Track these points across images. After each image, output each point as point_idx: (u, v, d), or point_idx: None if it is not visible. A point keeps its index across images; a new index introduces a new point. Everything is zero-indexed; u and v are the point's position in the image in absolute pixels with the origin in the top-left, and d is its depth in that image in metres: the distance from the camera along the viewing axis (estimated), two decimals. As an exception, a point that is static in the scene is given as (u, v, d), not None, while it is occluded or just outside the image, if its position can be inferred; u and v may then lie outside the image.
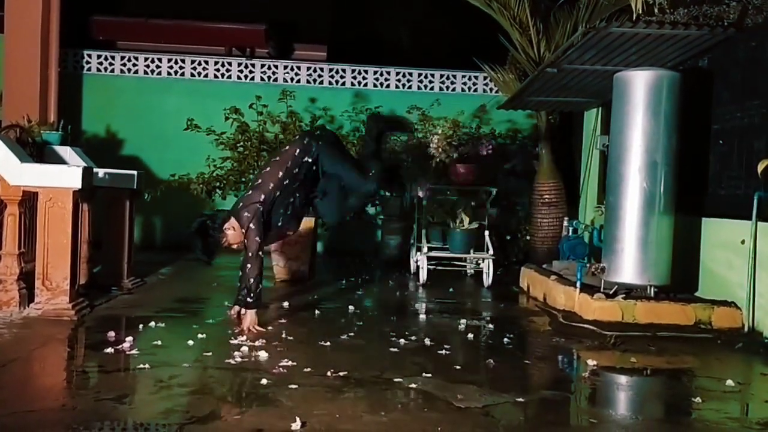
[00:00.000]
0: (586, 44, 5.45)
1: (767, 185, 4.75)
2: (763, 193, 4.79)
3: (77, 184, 4.78)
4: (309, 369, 3.66)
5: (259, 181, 4.89)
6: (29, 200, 5.01)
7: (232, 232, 4.83)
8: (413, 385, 3.44)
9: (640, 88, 5.22)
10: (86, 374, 3.63)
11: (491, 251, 7.48)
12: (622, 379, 3.95)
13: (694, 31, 5.13)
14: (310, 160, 4.94)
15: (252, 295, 4.66)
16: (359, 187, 5.14)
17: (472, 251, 7.59)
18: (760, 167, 4.68)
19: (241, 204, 4.85)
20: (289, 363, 3.74)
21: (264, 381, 3.40)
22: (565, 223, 7.07)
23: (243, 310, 4.72)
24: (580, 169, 8.56)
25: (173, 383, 3.36)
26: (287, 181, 4.86)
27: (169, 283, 6.80)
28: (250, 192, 4.89)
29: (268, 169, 4.95)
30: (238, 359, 3.83)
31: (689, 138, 5.50)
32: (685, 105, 5.33)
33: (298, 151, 4.93)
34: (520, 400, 3.30)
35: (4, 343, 4.08)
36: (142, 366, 3.64)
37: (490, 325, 5.29)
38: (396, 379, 3.53)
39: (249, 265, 4.71)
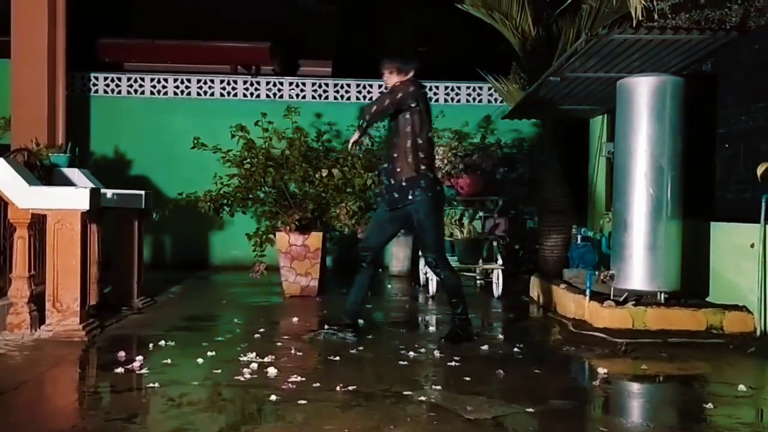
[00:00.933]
0: (588, 52, 5.46)
1: (756, 185, 4.73)
2: (770, 195, 4.78)
3: (85, 206, 4.81)
4: (318, 384, 3.66)
5: None
6: (38, 223, 5.05)
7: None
8: (423, 398, 3.43)
9: (643, 94, 5.22)
10: (97, 394, 3.64)
11: (500, 261, 7.47)
12: (634, 387, 3.93)
13: (696, 35, 5.14)
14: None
15: (366, 118, 5.07)
16: None
17: (481, 261, 7.58)
18: (760, 170, 4.67)
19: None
20: (298, 378, 3.75)
21: (273, 397, 3.40)
22: (574, 231, 7.05)
23: None
24: (586, 176, 8.54)
25: (183, 401, 3.36)
26: None
27: (179, 302, 6.82)
28: None
29: None
30: (248, 376, 3.84)
31: (695, 142, 5.48)
32: (690, 109, 5.32)
33: None
34: (530, 410, 3.29)
35: (16, 365, 4.10)
36: (152, 385, 3.65)
37: (500, 336, 5.27)
38: (405, 393, 3.52)
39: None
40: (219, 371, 3.93)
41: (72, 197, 4.83)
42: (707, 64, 5.76)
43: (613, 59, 5.63)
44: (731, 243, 5.34)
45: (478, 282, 8.08)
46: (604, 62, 5.72)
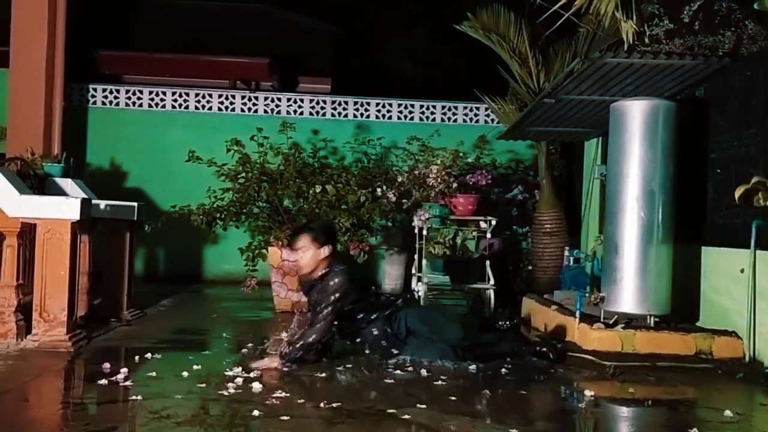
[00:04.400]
0: (582, 75, 5.49)
1: (747, 210, 4.74)
2: (761, 221, 4.78)
3: (75, 216, 4.80)
4: (302, 400, 3.63)
5: None
6: (28, 232, 5.04)
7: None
8: (406, 417, 3.40)
9: (636, 117, 5.24)
10: (79, 406, 3.62)
11: (492, 281, 7.45)
12: (620, 410, 3.91)
13: (689, 60, 5.17)
14: None
15: (301, 355, 4.44)
16: None
17: (473, 281, 7.56)
18: (737, 193, 4.67)
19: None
20: (283, 394, 3.71)
21: (256, 412, 3.37)
22: (566, 253, 7.05)
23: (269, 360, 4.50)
24: (581, 198, 8.55)
25: (164, 414, 3.33)
26: None
27: (169, 315, 6.79)
28: None
29: None
30: (232, 390, 3.80)
31: (686, 167, 5.50)
32: (682, 134, 5.34)
33: None
34: (514, 431, 3.26)
35: (-1, 374, 4.08)
36: (135, 397, 3.61)
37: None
38: (389, 411, 3.49)
39: (319, 326, 4.52)
40: (203, 385, 3.90)
41: (62, 207, 4.82)
42: (700, 89, 5.79)
43: (607, 82, 5.66)
44: (722, 268, 5.34)
45: (469, 301, 8.04)
46: (599, 85, 5.75)
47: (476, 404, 3.77)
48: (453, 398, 3.83)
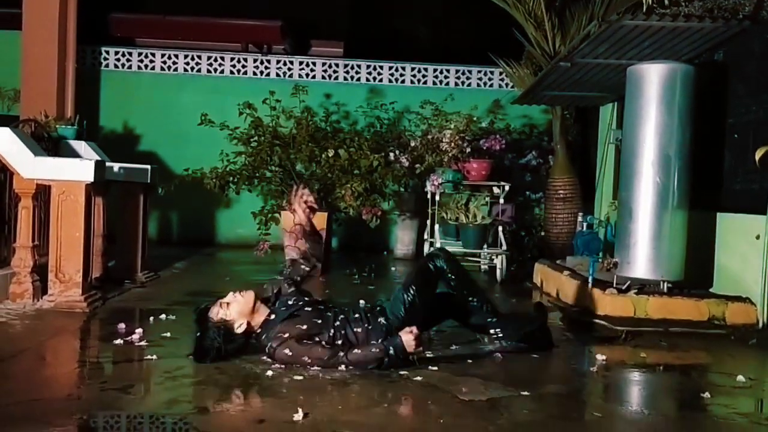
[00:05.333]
0: (599, 38, 5.40)
1: (764, 176, 4.69)
2: (778, 187, 4.73)
3: (89, 178, 4.82)
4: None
5: None
6: (43, 193, 5.07)
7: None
8: (418, 378, 3.42)
9: (653, 81, 5.16)
10: (94, 365, 3.67)
11: (504, 247, 7.46)
12: (632, 375, 3.91)
13: (708, 24, 5.07)
14: None
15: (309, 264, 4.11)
16: None
17: (485, 247, 7.57)
18: (758, 154, 4.62)
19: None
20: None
21: (269, 373, 3.41)
22: (580, 219, 7.02)
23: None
24: (595, 164, 8.49)
25: (179, 374, 3.38)
26: None
27: (183, 277, 6.85)
28: None
29: None
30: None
31: (704, 132, 5.43)
32: (700, 99, 5.26)
33: None
34: (526, 393, 3.28)
35: (16, 333, 4.13)
36: (149, 357, 3.66)
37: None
38: (401, 373, 3.51)
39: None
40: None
41: (76, 169, 4.84)
42: (719, 53, 5.70)
43: (624, 46, 5.57)
44: (737, 234, 5.30)
45: (483, 267, 8.07)
46: (615, 48, 5.66)
47: (487, 367, 3.78)
48: (464, 361, 3.85)
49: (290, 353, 3.48)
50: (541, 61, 7.76)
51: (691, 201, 5.22)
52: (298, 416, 2.76)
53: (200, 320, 3.62)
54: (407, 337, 3.50)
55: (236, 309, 3.59)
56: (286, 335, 3.52)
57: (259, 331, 3.63)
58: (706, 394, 3.38)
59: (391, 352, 3.48)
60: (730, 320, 4.96)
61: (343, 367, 3.47)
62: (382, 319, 3.75)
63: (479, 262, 8.05)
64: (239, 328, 3.59)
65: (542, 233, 8.44)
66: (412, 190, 9.05)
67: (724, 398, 3.38)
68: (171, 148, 9.76)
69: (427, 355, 3.79)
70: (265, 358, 3.58)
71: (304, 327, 3.57)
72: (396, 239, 9.57)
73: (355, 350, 3.52)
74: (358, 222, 7.62)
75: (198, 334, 3.60)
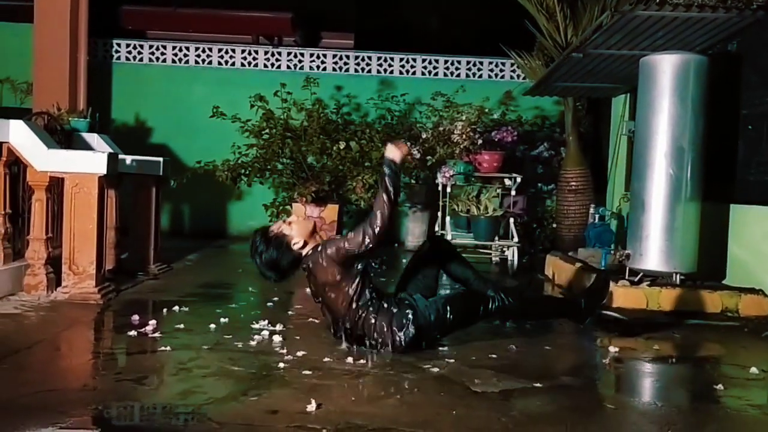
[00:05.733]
0: (611, 28, 5.38)
1: None
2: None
3: (102, 170, 4.84)
4: (329, 353, 3.67)
5: None
6: (56, 186, 5.09)
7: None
8: (431, 370, 3.43)
9: (666, 72, 5.14)
10: (109, 356, 3.69)
11: (516, 239, 7.45)
12: (645, 367, 3.90)
13: (721, 14, 5.04)
14: None
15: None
16: None
17: (497, 239, 7.56)
18: None
19: None
20: (309, 348, 3.76)
21: (282, 365, 3.42)
22: (592, 211, 7.00)
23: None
24: (607, 155, 8.46)
25: (193, 365, 3.39)
26: None
27: (195, 269, 6.87)
28: None
29: None
30: (258, 343, 3.86)
31: (717, 123, 5.40)
32: (713, 89, 5.23)
33: None
34: (538, 385, 3.28)
35: (31, 325, 4.16)
36: (163, 348, 3.68)
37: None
38: (415, 363, 3.52)
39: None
40: (230, 337, 3.96)
41: (89, 161, 4.86)
42: (733, 43, 5.66)
43: (636, 36, 5.54)
44: (750, 226, 5.28)
45: (494, 259, 8.06)
46: (628, 39, 5.63)
47: (501, 359, 3.78)
48: (477, 352, 3.85)
49: (332, 249, 3.66)
50: (552, 52, 7.73)
51: (704, 192, 5.20)
52: (311, 407, 2.78)
53: (262, 236, 3.87)
54: (387, 148, 3.73)
55: (297, 228, 3.83)
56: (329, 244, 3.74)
57: (308, 254, 3.80)
58: (719, 386, 3.37)
59: (386, 171, 3.65)
60: (743, 312, 4.96)
61: (378, 221, 3.61)
62: (409, 312, 3.76)
63: (490, 254, 8.04)
64: (295, 245, 3.79)
65: (554, 225, 8.42)
66: (423, 182, 9.05)
67: (738, 390, 3.37)
68: (182, 141, 9.79)
69: (415, 154, 3.92)
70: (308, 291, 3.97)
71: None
72: (407, 231, 9.57)
73: (374, 211, 3.66)
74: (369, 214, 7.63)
75: (259, 249, 3.83)
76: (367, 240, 3.62)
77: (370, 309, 3.71)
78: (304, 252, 3.82)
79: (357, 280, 3.71)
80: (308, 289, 4.07)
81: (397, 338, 3.69)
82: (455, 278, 4.34)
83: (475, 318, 3.98)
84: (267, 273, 3.86)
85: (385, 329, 3.68)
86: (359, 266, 3.72)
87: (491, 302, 3.94)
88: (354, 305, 3.70)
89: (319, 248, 3.74)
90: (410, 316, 3.73)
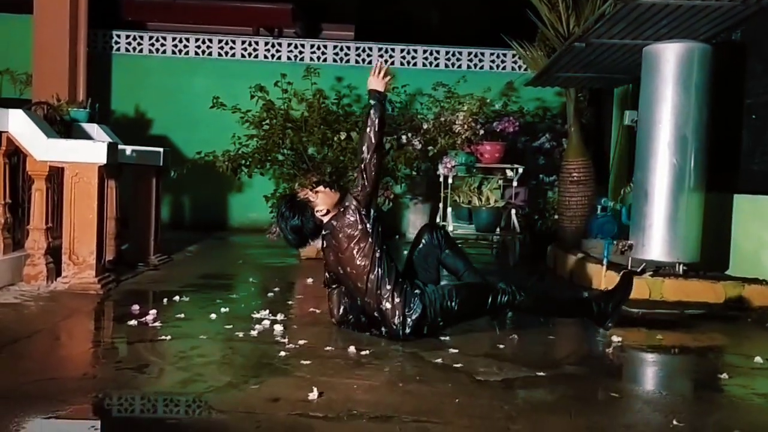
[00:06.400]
0: (614, 17, 5.32)
1: None
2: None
3: (102, 160, 4.81)
4: (330, 342, 3.65)
5: None
6: (56, 176, 5.07)
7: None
8: (434, 359, 3.41)
9: (670, 60, 5.11)
10: (109, 345, 3.69)
11: (518, 230, 7.42)
12: (648, 356, 3.88)
13: (726, 2, 4.99)
14: None
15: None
16: None
17: (498, 230, 7.53)
18: None
19: None
20: (311, 337, 3.74)
21: (283, 353, 3.40)
22: (594, 202, 6.96)
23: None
24: (609, 146, 8.42)
25: (193, 354, 3.38)
26: None
27: (196, 260, 6.86)
28: None
29: None
30: (259, 332, 3.84)
31: (721, 112, 5.37)
32: (717, 79, 5.20)
33: None
34: (541, 374, 3.26)
35: (31, 314, 4.14)
36: (163, 338, 3.66)
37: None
38: (417, 353, 3.50)
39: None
40: (230, 327, 3.94)
41: (89, 151, 4.83)
42: (737, 32, 5.62)
43: (640, 25, 5.49)
44: (754, 215, 5.25)
45: (495, 250, 8.03)
46: (631, 28, 5.58)
47: (502, 348, 3.76)
48: (480, 342, 3.83)
49: (354, 194, 3.83)
50: (554, 42, 7.66)
51: (707, 182, 5.17)
52: (313, 395, 2.76)
53: (288, 202, 3.98)
54: (369, 81, 3.98)
55: (323, 197, 3.92)
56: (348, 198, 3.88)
57: (330, 222, 3.88)
58: (724, 375, 3.35)
59: (371, 102, 3.91)
60: (747, 302, 4.92)
61: (366, 149, 3.81)
62: (417, 292, 3.80)
63: (492, 245, 8.01)
64: (319, 212, 3.89)
65: (556, 216, 8.38)
66: (424, 174, 9.00)
67: (742, 379, 3.35)
68: (182, 132, 9.75)
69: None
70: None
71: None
72: (408, 223, 9.54)
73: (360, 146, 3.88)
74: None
75: (285, 215, 3.90)
76: (365, 168, 3.79)
77: (387, 279, 3.74)
78: (325, 220, 3.91)
79: (378, 235, 3.80)
80: (325, 274, 4.07)
81: (405, 316, 3.71)
82: (446, 268, 4.27)
83: (483, 310, 3.94)
84: (289, 236, 3.96)
85: (397, 300, 3.71)
86: (377, 221, 3.83)
87: (501, 295, 3.89)
88: (376, 268, 3.75)
89: (345, 205, 3.85)
90: (418, 293, 3.76)
